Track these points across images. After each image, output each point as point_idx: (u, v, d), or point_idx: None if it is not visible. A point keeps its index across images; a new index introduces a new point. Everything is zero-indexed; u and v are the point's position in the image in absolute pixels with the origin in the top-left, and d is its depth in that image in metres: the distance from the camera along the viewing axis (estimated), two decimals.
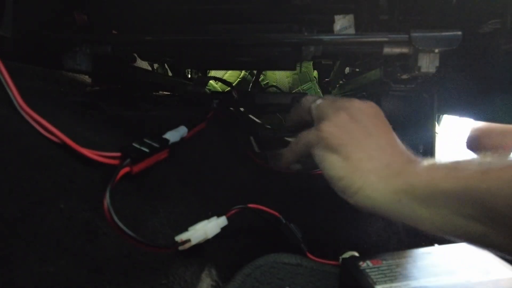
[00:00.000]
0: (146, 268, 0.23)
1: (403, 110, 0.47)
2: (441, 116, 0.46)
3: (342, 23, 0.38)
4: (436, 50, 0.35)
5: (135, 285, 0.21)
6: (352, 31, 0.38)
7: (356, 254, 0.28)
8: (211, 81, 1.05)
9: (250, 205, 0.30)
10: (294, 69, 0.56)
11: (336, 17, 0.38)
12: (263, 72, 1.08)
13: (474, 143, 0.78)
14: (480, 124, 0.76)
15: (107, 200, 0.21)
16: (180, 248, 0.24)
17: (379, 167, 0.25)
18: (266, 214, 0.30)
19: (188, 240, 0.24)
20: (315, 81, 1.13)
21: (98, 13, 0.44)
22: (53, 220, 0.20)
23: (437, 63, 0.36)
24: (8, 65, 0.24)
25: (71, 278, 0.19)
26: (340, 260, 0.27)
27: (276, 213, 0.30)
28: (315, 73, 1.15)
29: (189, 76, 0.93)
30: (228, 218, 0.28)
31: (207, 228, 0.26)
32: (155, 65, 0.75)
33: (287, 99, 0.50)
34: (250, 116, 0.63)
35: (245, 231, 0.33)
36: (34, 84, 0.38)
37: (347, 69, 0.73)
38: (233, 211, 0.29)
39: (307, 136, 0.29)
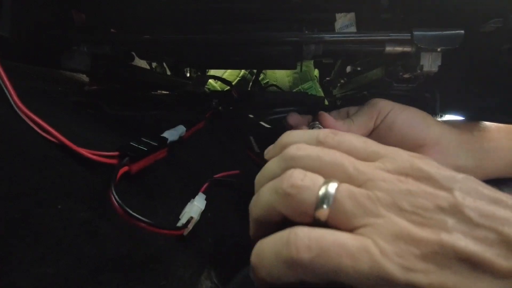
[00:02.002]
0: (146, 269, 0.23)
1: None
2: (442, 115, 0.46)
3: (343, 22, 0.37)
4: (438, 49, 0.35)
5: (134, 286, 0.21)
6: (353, 29, 0.38)
7: None
8: (210, 80, 1.05)
9: (215, 176, 0.35)
10: (294, 68, 0.55)
11: (337, 16, 0.38)
12: (263, 71, 1.08)
13: None
14: None
15: (113, 195, 0.21)
16: (186, 230, 0.25)
17: None
18: (230, 177, 0.34)
19: (191, 218, 0.26)
20: (315, 80, 1.13)
21: (96, 12, 0.44)
22: (51, 220, 0.19)
23: (439, 62, 0.35)
24: (5, 64, 0.24)
25: (70, 278, 0.18)
26: None
27: (237, 171, 0.35)
28: (316, 72, 1.15)
29: (188, 75, 0.92)
30: (204, 193, 0.31)
31: (197, 204, 0.28)
32: (154, 64, 0.75)
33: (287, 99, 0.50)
34: (250, 115, 0.63)
35: (245, 232, 0.33)
36: (31, 83, 0.37)
37: (348, 68, 0.72)
38: (205, 185, 0.33)
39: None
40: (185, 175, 0.34)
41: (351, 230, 0.14)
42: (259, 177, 0.18)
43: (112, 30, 0.46)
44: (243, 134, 0.54)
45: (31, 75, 0.40)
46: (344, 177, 0.15)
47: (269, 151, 0.20)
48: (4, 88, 0.23)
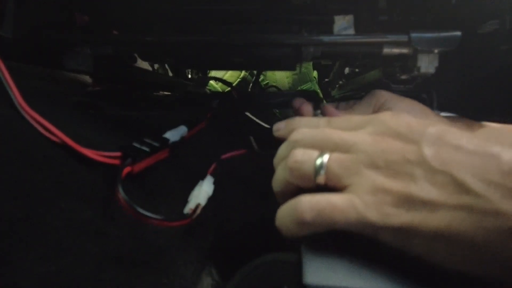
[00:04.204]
0: (147, 267, 0.23)
1: None
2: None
3: (342, 24, 0.38)
4: (436, 51, 0.35)
5: (136, 284, 0.22)
6: (351, 31, 0.38)
7: None
8: (211, 82, 1.06)
9: (222, 157, 0.35)
10: (294, 69, 0.56)
11: (336, 18, 0.38)
12: (263, 73, 1.08)
13: None
14: None
15: (121, 193, 0.21)
16: (194, 216, 0.25)
17: None
18: (236, 156, 0.35)
19: (198, 205, 0.26)
20: (314, 81, 1.13)
21: (99, 14, 0.44)
22: (53, 219, 0.20)
23: (436, 64, 0.36)
24: (9, 65, 0.24)
25: (72, 277, 0.19)
26: None
27: (244, 150, 0.35)
28: (315, 73, 1.15)
29: (190, 76, 0.93)
30: (212, 175, 0.31)
31: (205, 189, 0.28)
32: (156, 66, 0.76)
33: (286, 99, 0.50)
34: (250, 115, 0.64)
35: (245, 231, 0.33)
36: (34, 84, 0.38)
37: (346, 70, 0.73)
38: (213, 166, 0.33)
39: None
40: (186, 175, 0.34)
41: (344, 188, 0.18)
42: (275, 159, 0.23)
43: (114, 31, 0.46)
44: (243, 134, 0.54)
45: (33, 76, 0.40)
46: (334, 148, 0.19)
47: (278, 129, 0.26)
48: (8, 89, 0.23)
